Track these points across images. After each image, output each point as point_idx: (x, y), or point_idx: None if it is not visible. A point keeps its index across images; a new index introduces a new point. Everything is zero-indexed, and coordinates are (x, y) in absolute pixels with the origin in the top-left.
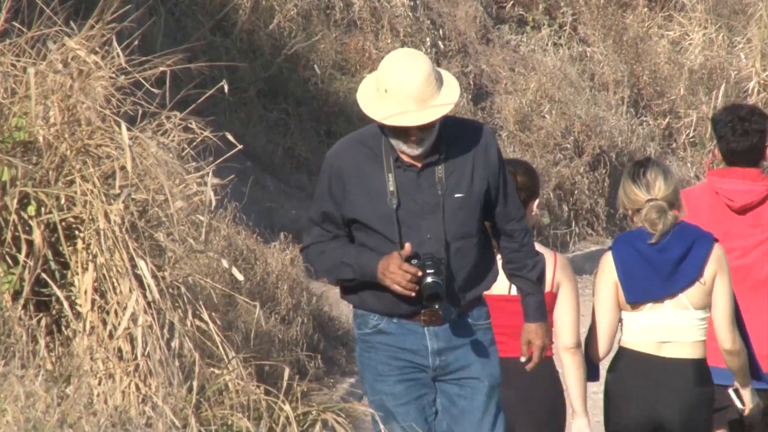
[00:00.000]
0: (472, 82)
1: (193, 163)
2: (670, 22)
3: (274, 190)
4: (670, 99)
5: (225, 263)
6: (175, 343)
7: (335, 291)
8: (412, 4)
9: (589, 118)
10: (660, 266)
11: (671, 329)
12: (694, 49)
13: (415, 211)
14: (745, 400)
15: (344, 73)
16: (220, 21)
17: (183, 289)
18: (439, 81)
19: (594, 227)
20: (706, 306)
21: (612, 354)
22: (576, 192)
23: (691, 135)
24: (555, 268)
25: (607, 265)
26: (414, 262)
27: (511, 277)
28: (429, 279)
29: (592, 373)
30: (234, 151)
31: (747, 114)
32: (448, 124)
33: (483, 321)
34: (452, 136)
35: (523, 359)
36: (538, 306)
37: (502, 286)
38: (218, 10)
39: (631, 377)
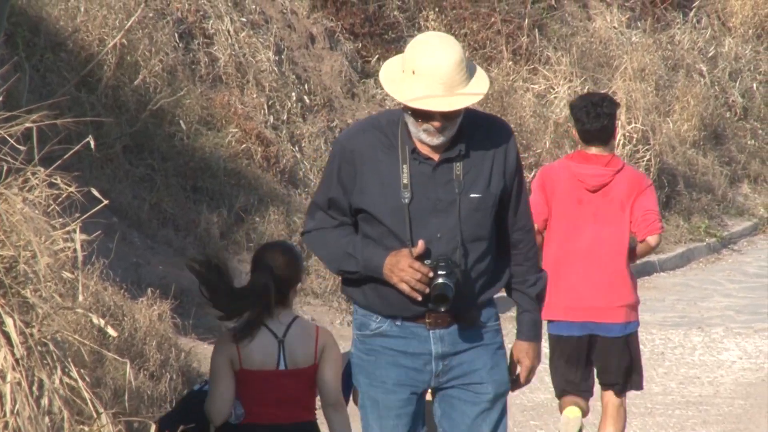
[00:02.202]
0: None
1: (60, 219)
2: (535, 75)
3: (140, 246)
4: (536, 152)
5: (95, 320)
6: (44, 401)
7: (204, 347)
8: (277, 59)
9: None
10: None
11: None
12: (559, 102)
13: (427, 207)
14: None
15: (210, 128)
16: (86, 77)
17: (51, 346)
18: (470, 70)
19: None
20: None
21: None
22: None
23: None
24: None
25: None
26: (426, 261)
27: (510, 290)
28: (440, 280)
29: None
30: (100, 206)
31: (599, 100)
32: (471, 119)
33: (492, 322)
34: (474, 133)
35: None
36: (533, 325)
37: (270, 361)
38: (83, 66)
39: None
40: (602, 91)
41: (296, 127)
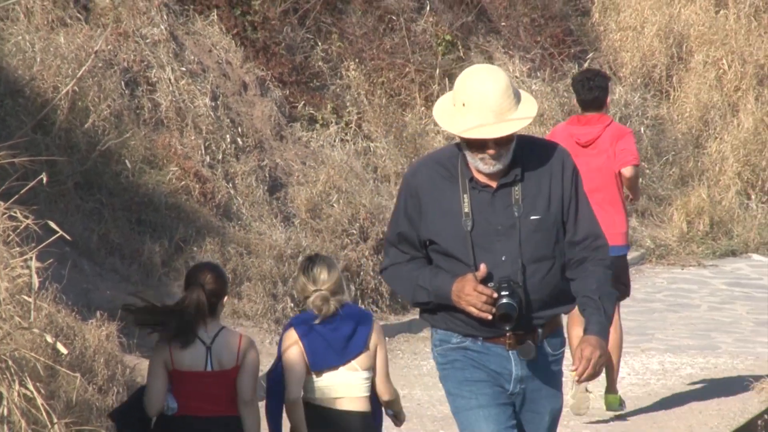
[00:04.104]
0: (267, 175)
1: (18, 248)
2: None
3: (90, 273)
4: None
5: (49, 339)
6: (3, 411)
7: (147, 364)
8: (213, 104)
9: (373, 207)
10: (335, 342)
11: (344, 387)
12: None
13: (489, 232)
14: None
15: (153, 167)
16: (41, 120)
17: (10, 362)
18: (517, 96)
19: (378, 305)
20: (370, 368)
21: None
22: (362, 273)
23: None
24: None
25: (293, 338)
26: (490, 284)
27: (579, 300)
28: (504, 300)
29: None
30: (54, 237)
31: (593, 75)
32: (525, 144)
33: (558, 350)
34: (529, 157)
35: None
36: (601, 327)
37: (199, 363)
38: (39, 110)
39: (317, 427)
40: (596, 68)
41: (230, 166)
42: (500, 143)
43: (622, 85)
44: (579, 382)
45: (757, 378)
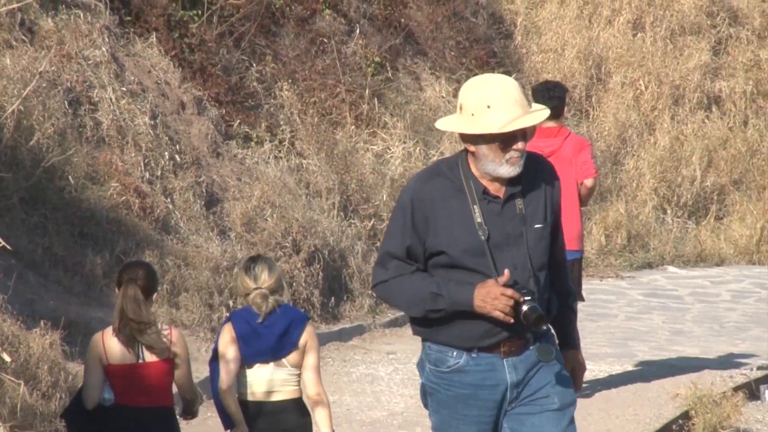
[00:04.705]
0: (204, 190)
1: None
2: (374, 137)
3: (35, 284)
4: (374, 204)
5: None
6: None
7: None
8: (152, 123)
9: (306, 221)
10: (268, 338)
11: (276, 382)
12: (394, 161)
13: (501, 242)
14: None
15: (94, 183)
16: None
17: None
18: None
19: (310, 314)
20: (299, 365)
21: None
22: (294, 284)
23: None
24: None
25: (230, 333)
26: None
27: (558, 305)
28: (527, 306)
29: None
30: None
31: (552, 86)
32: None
33: (552, 347)
34: (527, 170)
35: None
36: (577, 335)
37: (131, 356)
38: None
39: (254, 421)
40: (556, 80)
41: (169, 181)
42: (526, 137)
43: None
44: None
45: (672, 385)
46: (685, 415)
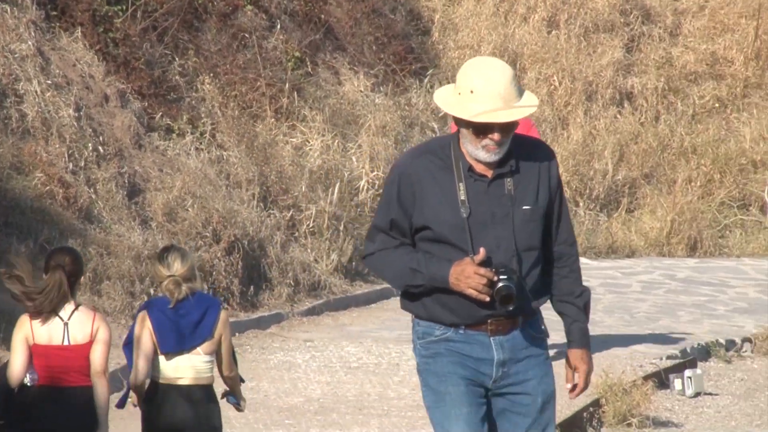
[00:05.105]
0: (127, 181)
1: None
2: (294, 130)
3: None
4: (293, 195)
5: None
6: None
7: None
8: (77, 115)
9: (226, 211)
10: (183, 327)
11: (189, 369)
12: (313, 153)
13: (485, 220)
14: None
15: (19, 173)
16: None
17: None
18: (519, 87)
19: (230, 302)
20: (213, 352)
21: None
22: (214, 273)
23: (311, 225)
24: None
25: (146, 322)
26: (488, 269)
27: (558, 302)
28: (501, 284)
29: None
30: None
31: None
32: (517, 141)
33: (540, 332)
34: (520, 152)
35: (569, 386)
36: (583, 333)
37: (57, 338)
38: None
39: (164, 402)
40: None
41: (92, 172)
42: (505, 131)
43: None
44: (574, 398)
45: None
46: (596, 403)
